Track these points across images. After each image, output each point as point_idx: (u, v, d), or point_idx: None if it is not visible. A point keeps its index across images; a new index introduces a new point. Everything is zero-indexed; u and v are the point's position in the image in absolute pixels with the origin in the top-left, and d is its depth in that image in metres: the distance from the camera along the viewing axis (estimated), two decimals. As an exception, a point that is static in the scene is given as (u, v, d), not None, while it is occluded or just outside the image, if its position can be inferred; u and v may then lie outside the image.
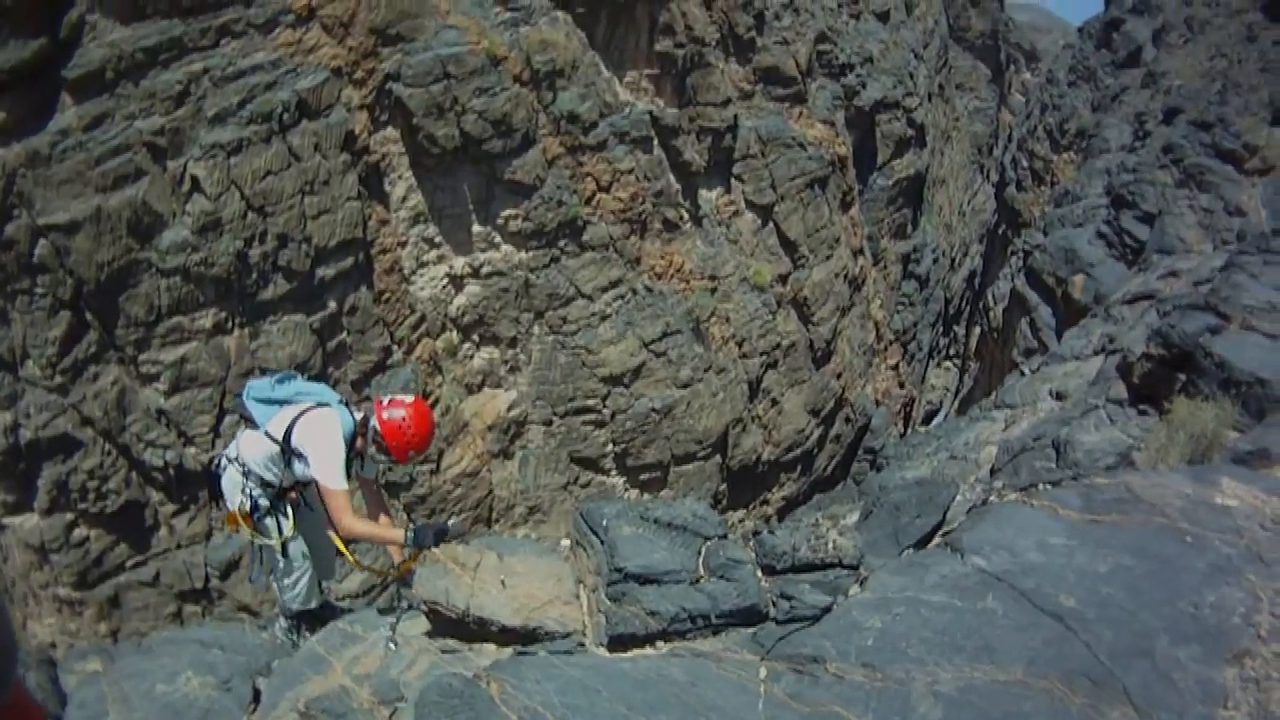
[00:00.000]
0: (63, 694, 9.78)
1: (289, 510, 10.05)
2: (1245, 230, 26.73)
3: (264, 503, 9.88)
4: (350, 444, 9.47)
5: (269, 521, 9.99)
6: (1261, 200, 29.78)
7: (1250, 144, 31.44)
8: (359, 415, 9.76)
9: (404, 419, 9.52)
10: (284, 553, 10.17)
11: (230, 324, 23.20)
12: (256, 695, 9.44)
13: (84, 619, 21.67)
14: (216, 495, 10.21)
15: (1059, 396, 20.90)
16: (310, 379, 10.20)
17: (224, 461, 9.98)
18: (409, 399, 9.73)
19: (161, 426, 22.33)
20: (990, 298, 42.83)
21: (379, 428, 9.56)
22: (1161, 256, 28.89)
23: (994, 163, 58.86)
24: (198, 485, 23.01)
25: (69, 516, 21.18)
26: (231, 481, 9.88)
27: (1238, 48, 36.66)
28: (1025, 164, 50.17)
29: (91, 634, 21.43)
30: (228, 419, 22.85)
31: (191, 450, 22.72)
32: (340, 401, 9.74)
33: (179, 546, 22.90)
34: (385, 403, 9.65)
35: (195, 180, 22.52)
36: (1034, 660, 6.86)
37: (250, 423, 9.84)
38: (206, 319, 22.79)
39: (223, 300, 23.01)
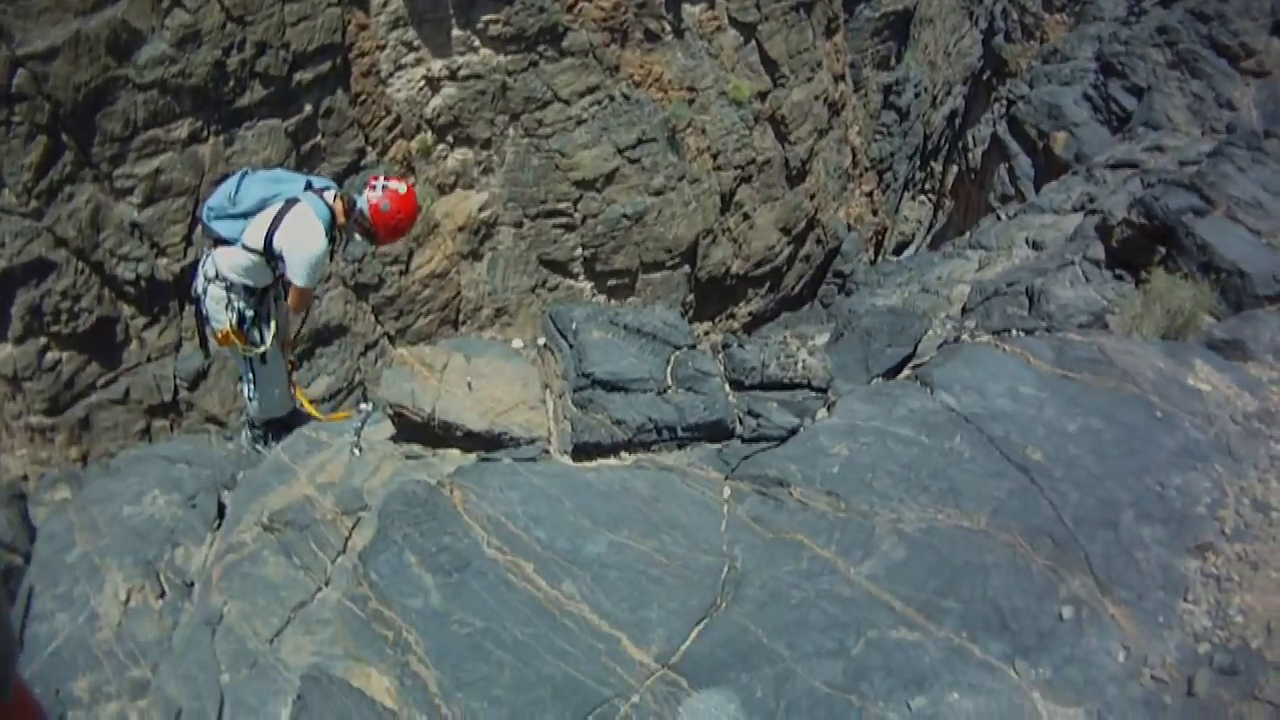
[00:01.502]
0: (31, 529, 9.76)
1: (271, 316, 10.01)
2: (1235, 124, 26.57)
3: (250, 313, 9.81)
4: (330, 230, 9.36)
5: (255, 332, 9.94)
6: (1254, 101, 29.56)
7: (1248, 45, 31.07)
8: (332, 194, 9.62)
9: (393, 202, 9.50)
10: (263, 360, 10.16)
11: (205, 132, 22.80)
12: (222, 510, 9.42)
13: (55, 445, 21.53)
14: (203, 317, 10.10)
15: (1035, 246, 20.84)
16: (257, 171, 9.91)
17: (202, 283, 9.84)
18: (399, 186, 9.65)
19: (134, 240, 22.03)
20: (970, 139, 42.56)
21: (366, 210, 9.52)
22: (1147, 130, 28.68)
23: (984, 10, 58.13)
24: (169, 296, 22.81)
25: (42, 341, 20.92)
26: (216, 299, 9.75)
27: (1245, -50, 36.30)
28: (1015, 17, 49.65)
29: (62, 460, 21.31)
30: (199, 227, 22.66)
31: (164, 261, 22.46)
32: (305, 187, 9.53)
33: (149, 360, 22.71)
34: (377, 185, 9.57)
35: (175, -6, 22.10)
36: (998, 511, 6.87)
37: (220, 241, 9.64)
38: (182, 129, 22.36)
39: (199, 110, 22.56)
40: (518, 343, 10.55)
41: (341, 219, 9.56)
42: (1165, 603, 6.39)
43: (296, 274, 9.30)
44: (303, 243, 9.20)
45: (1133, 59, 32.48)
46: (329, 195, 9.56)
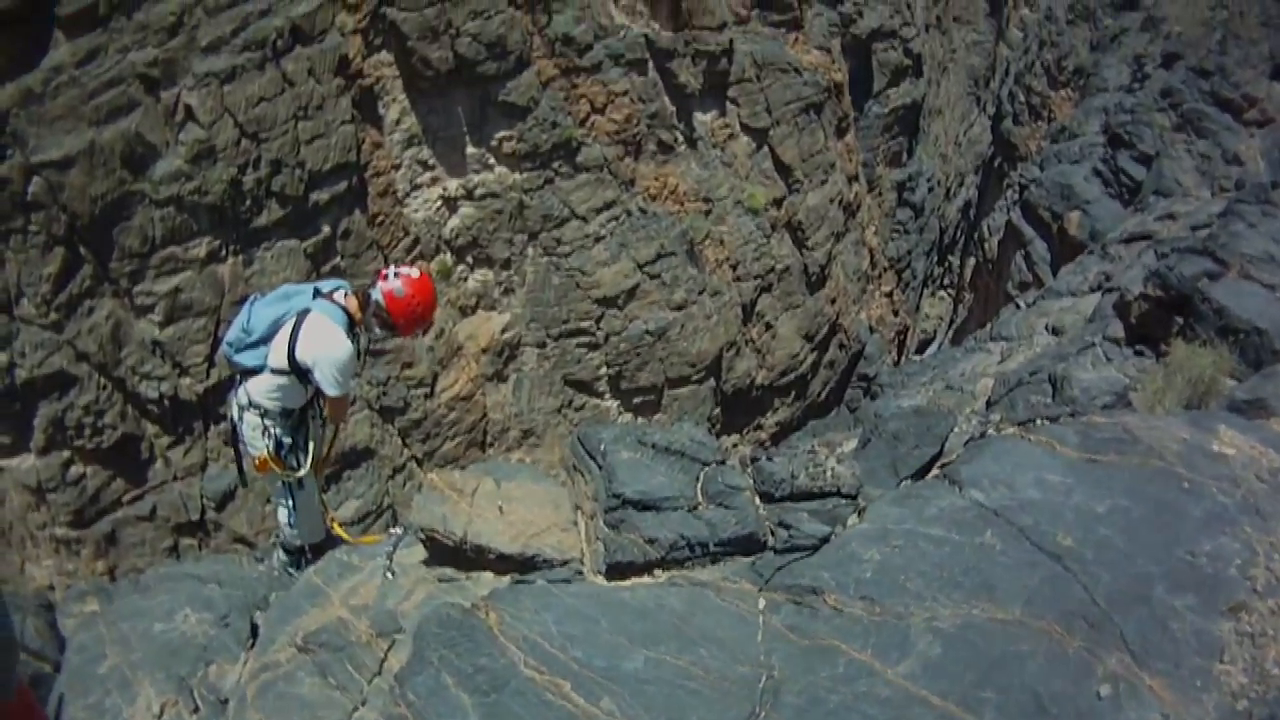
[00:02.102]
0: (61, 638, 9.83)
1: (308, 441, 10.08)
2: (1244, 179, 26.68)
3: (287, 440, 9.89)
4: (350, 331, 9.45)
5: (292, 458, 10.00)
6: (1260, 152, 29.71)
7: (1250, 95, 31.36)
8: (344, 294, 9.72)
9: (409, 290, 9.52)
10: (301, 484, 10.21)
11: (224, 252, 23.09)
12: (255, 630, 9.45)
13: (81, 558, 21.65)
14: (240, 445, 10.20)
15: (1055, 331, 20.90)
16: (265, 295, 10.01)
17: (237, 410, 9.93)
18: (412, 271, 9.70)
19: (156, 358, 22.26)
20: (985, 229, 42.78)
21: (382, 301, 9.55)
22: (1158, 198, 28.85)
23: (990, 96, 58.56)
24: (193, 415, 22.99)
25: (65, 454, 21.12)
26: (252, 427, 9.83)
27: (1239, 0, 36.51)
28: (1022, 99, 50.03)
29: (89, 573, 21.43)
30: (220, 352, 22.84)
31: (186, 381, 22.68)
32: (314, 294, 9.59)
33: (175, 479, 22.87)
34: (389, 275, 9.59)
35: (189, 109, 22.35)
36: (1032, 600, 6.86)
37: (248, 373, 9.73)
38: (200, 248, 22.65)
39: (216, 229, 22.88)
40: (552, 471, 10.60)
41: (358, 315, 9.66)
42: (1202, 667, 6.38)
43: (327, 383, 9.38)
44: (327, 350, 9.28)
45: (1139, 127, 32.77)
46: (340, 296, 9.66)
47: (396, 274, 9.60)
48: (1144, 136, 32.59)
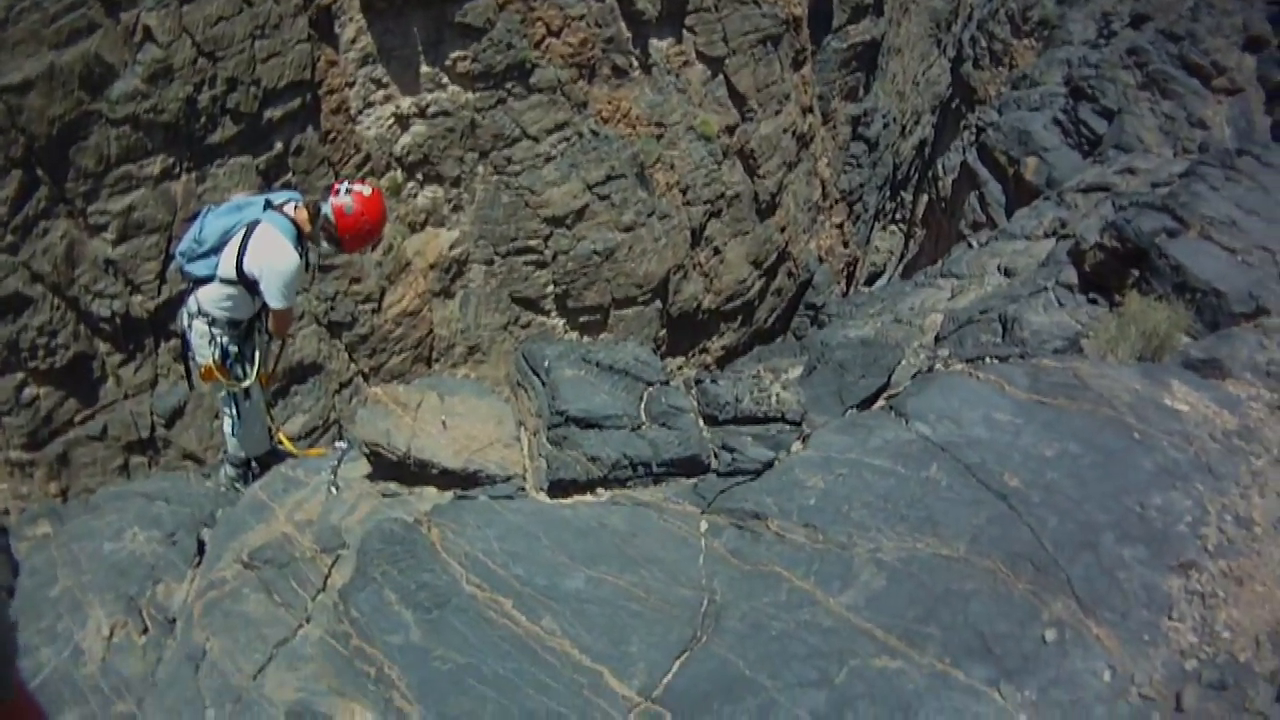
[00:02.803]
0: (15, 563, 9.75)
1: (254, 353, 10.02)
2: (1208, 143, 26.72)
3: (233, 349, 9.82)
4: (297, 244, 9.35)
5: (239, 368, 9.94)
6: (1227, 119, 29.74)
7: (1219, 64, 31.30)
8: (294, 205, 9.65)
9: (358, 206, 9.47)
10: (247, 395, 10.16)
11: (178, 169, 22.78)
12: (201, 547, 9.43)
13: (34, 480, 21.47)
14: (189, 353, 10.12)
15: (1007, 273, 20.88)
16: (218, 206, 9.91)
17: (187, 319, 9.87)
18: (364, 188, 9.63)
19: (109, 276, 21.98)
20: (940, 168, 42.74)
21: (330, 216, 9.51)
22: (1119, 153, 28.85)
23: (951, 39, 58.40)
24: (145, 333, 22.79)
25: (19, 376, 20.90)
26: (200, 335, 9.78)
27: (1214, -32, 36.47)
28: (984, 44, 49.87)
29: (42, 495, 21.26)
30: (173, 264, 22.64)
31: (138, 299, 22.42)
32: (265, 205, 9.53)
33: (125, 397, 22.65)
34: (340, 190, 9.55)
35: (148, 30, 21.95)
36: (977, 538, 6.84)
37: (199, 282, 9.65)
38: (154, 166, 22.32)
39: (170, 147, 22.54)
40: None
41: (307, 228, 9.57)
42: (1150, 621, 6.37)
43: (272, 295, 9.31)
44: (273, 261, 9.22)
45: (1103, 82, 32.66)
46: (290, 208, 9.57)
47: (348, 190, 9.56)
48: (1107, 92, 32.52)
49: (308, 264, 9.71)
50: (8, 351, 20.50)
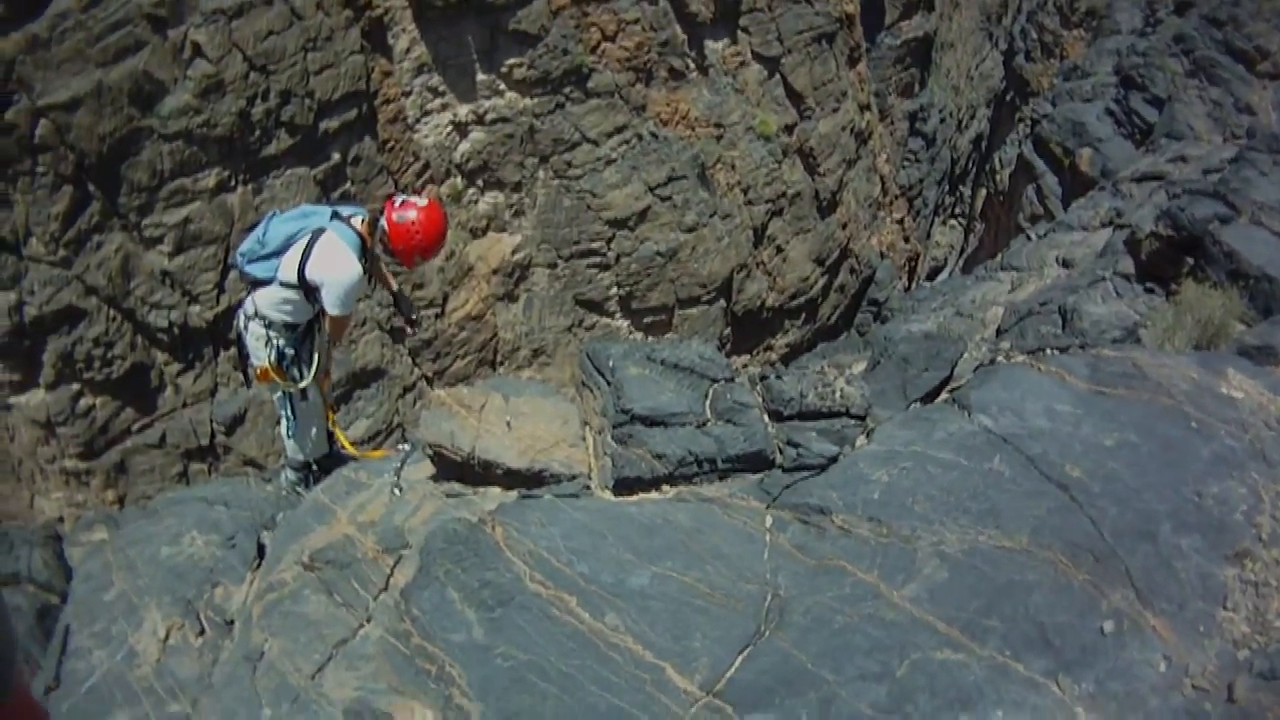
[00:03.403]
0: (68, 569, 9.85)
1: (313, 354, 10.13)
2: (1255, 128, 26.59)
3: (289, 351, 9.94)
4: (361, 255, 9.46)
5: (294, 370, 10.07)
6: (1272, 103, 29.59)
7: (1262, 48, 31.15)
8: (360, 219, 9.73)
9: (414, 221, 9.50)
10: (304, 397, 10.24)
11: (233, 182, 22.90)
12: (261, 550, 9.51)
13: (90, 489, 21.60)
14: (244, 354, 10.26)
15: (1066, 264, 20.87)
16: (284, 211, 10.01)
17: (243, 320, 10.02)
18: (422, 200, 9.65)
19: (166, 288, 22.12)
20: (997, 161, 42.78)
21: (387, 229, 9.58)
22: (1170, 141, 28.80)
23: (1003, 31, 58.24)
24: (203, 342, 22.93)
25: (74, 387, 21.01)
26: (256, 337, 9.91)
27: (1253, -47, 36.25)
28: (1035, 36, 49.74)
29: (98, 503, 21.38)
30: (231, 274, 22.69)
31: (196, 309, 22.56)
32: (332, 215, 9.63)
33: (184, 405, 22.79)
34: (398, 204, 9.59)
35: (196, 46, 22.07)
36: (1039, 529, 6.87)
37: (258, 284, 9.77)
38: (209, 179, 22.45)
39: (225, 160, 22.67)
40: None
41: (369, 242, 9.67)
42: (1205, 611, 6.39)
43: (331, 303, 9.43)
44: (335, 270, 9.32)
45: (1151, 70, 32.62)
46: (356, 221, 9.66)
47: (404, 202, 9.60)
48: (1156, 80, 32.47)
49: (368, 275, 9.80)
50: (62, 363, 20.67)
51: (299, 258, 9.39)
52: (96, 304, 21.01)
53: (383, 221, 9.61)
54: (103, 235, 21.17)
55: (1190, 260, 15.63)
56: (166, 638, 8.48)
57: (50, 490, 21.37)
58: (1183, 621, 6.34)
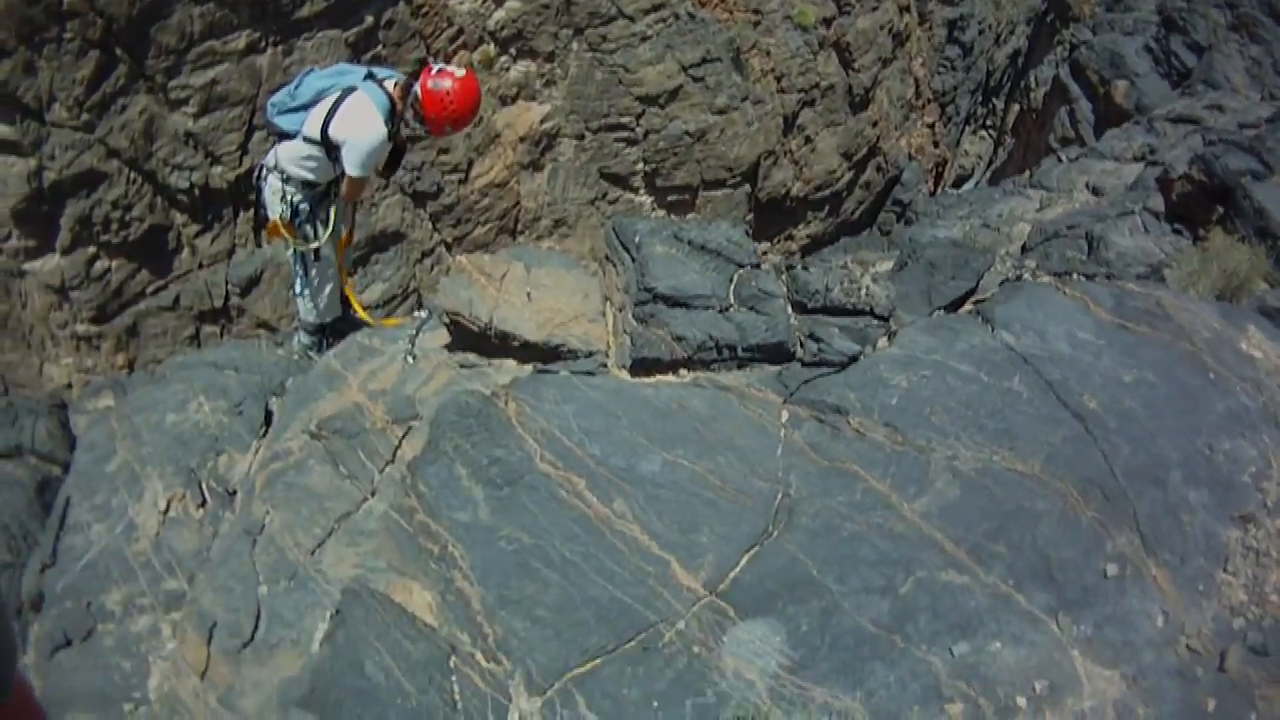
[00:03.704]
0: (71, 438, 9.88)
1: (329, 214, 10.04)
2: (1293, 92, 26.59)
3: (305, 208, 9.86)
4: (389, 118, 9.32)
5: (308, 228, 9.98)
6: (1312, 69, 29.59)
7: (1305, 12, 31.08)
8: (394, 83, 9.58)
9: (449, 90, 9.32)
10: (317, 257, 10.19)
11: (263, 43, 22.53)
12: (269, 417, 9.48)
13: (101, 353, 21.45)
14: (260, 206, 10.20)
15: (1095, 191, 20.79)
16: (321, 67, 9.95)
17: (263, 171, 9.96)
18: (460, 71, 9.49)
19: (189, 149, 21.83)
20: (1032, 80, 42.48)
21: (420, 95, 9.41)
22: (1207, 89, 28.71)
23: (1048, -50, 57.89)
24: (224, 203, 22.73)
25: (91, 250, 20.75)
26: (273, 190, 9.85)
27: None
28: (1079, -39, 49.45)
29: (108, 367, 21.26)
30: (256, 135, 22.50)
31: (218, 169, 22.29)
32: (365, 76, 9.48)
33: (201, 266, 22.60)
34: (434, 71, 9.40)
35: (234, -95, 21.88)
36: (1052, 457, 6.89)
37: (283, 136, 9.67)
38: (240, 40, 22.08)
39: (257, 21, 22.23)
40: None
41: (400, 105, 9.51)
42: (1206, 570, 6.42)
43: (350, 162, 9.32)
44: (358, 129, 9.21)
45: (1194, 17, 32.47)
46: (389, 84, 9.52)
47: (441, 70, 9.43)
48: (1198, 26, 32.25)
49: (395, 141, 9.72)
50: (80, 227, 20.50)
51: (325, 113, 9.31)
52: (118, 166, 20.83)
53: (416, 88, 9.44)
54: (127, 98, 20.94)
55: (1220, 209, 15.57)
56: (167, 509, 8.55)
57: (60, 356, 21.30)
58: (1184, 577, 6.37)
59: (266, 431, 9.24)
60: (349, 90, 9.33)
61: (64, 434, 9.85)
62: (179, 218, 22.00)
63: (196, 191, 21.78)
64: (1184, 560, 6.43)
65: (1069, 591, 6.21)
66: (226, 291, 22.80)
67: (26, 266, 20.31)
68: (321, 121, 9.30)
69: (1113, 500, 6.63)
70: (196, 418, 9.47)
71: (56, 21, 19.30)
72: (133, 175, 20.86)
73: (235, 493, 8.60)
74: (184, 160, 21.54)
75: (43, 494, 9.02)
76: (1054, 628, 6.04)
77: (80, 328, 21.04)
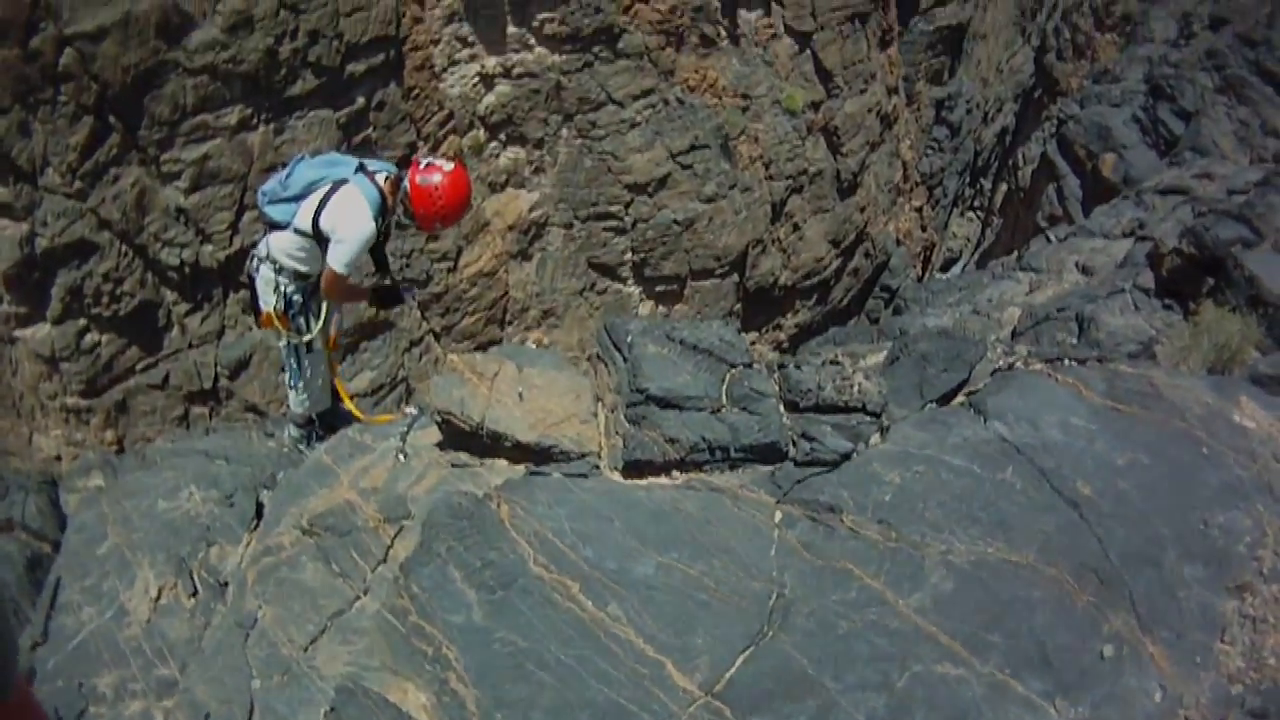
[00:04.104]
0: (62, 516, 9.88)
1: (320, 306, 10.02)
2: (1282, 153, 26.72)
3: (298, 299, 9.84)
4: (379, 213, 9.31)
5: (301, 319, 9.97)
6: (1302, 128, 29.70)
7: (1294, 71, 31.25)
8: (385, 177, 9.57)
9: (437, 186, 9.34)
10: (309, 349, 10.18)
11: (256, 120, 22.79)
12: (260, 510, 9.46)
13: (90, 427, 21.56)
14: (253, 298, 10.18)
15: (1085, 271, 20.83)
16: (313, 156, 9.92)
17: (255, 262, 9.92)
18: (448, 165, 9.49)
19: (180, 225, 22.03)
20: (1020, 158, 42.78)
21: (409, 191, 9.42)
22: (1195, 156, 28.83)
23: (1035, 28, 58.19)
24: (213, 283, 22.88)
25: (81, 322, 20.95)
26: (265, 280, 9.82)
27: (1293, -25, 36.18)
28: (1067, 35, 49.74)
29: (97, 443, 21.34)
30: (247, 215, 22.67)
31: (209, 248, 22.49)
32: (357, 168, 9.47)
33: (190, 346, 22.75)
34: (423, 165, 9.44)
35: (228, -20, 22.13)
36: (1046, 546, 6.89)
37: (274, 226, 9.66)
38: (232, 116, 22.37)
39: (249, 98, 22.56)
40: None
41: (391, 200, 9.52)
42: (1203, 643, 6.42)
43: (335, 256, 9.27)
44: (347, 224, 9.18)
45: (1181, 82, 32.68)
46: (380, 177, 9.51)
47: (429, 165, 9.47)
48: (1185, 93, 32.47)
49: (383, 238, 9.73)
50: (70, 298, 20.64)
51: (316, 205, 9.31)
52: (109, 238, 20.99)
53: (406, 183, 9.47)
54: (120, 168, 21.12)
55: (1211, 281, 15.61)
56: (158, 597, 8.51)
57: (49, 427, 21.37)
58: (1181, 651, 6.38)
59: (258, 524, 9.25)
60: (340, 182, 9.35)
61: (54, 512, 9.85)
62: (169, 295, 22.17)
63: (187, 269, 21.98)
64: (1180, 635, 6.44)
65: (1066, 675, 6.20)
66: (216, 373, 22.95)
67: (17, 333, 20.48)
68: (313, 214, 9.31)
69: (1108, 583, 6.64)
70: (187, 506, 9.47)
71: (52, 82, 19.54)
72: (124, 248, 21.05)
73: (227, 584, 8.57)
74: (175, 236, 21.75)
75: (33, 571, 9.01)
76: (1052, 712, 6.03)
77: (70, 400, 21.16)
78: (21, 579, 8.93)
